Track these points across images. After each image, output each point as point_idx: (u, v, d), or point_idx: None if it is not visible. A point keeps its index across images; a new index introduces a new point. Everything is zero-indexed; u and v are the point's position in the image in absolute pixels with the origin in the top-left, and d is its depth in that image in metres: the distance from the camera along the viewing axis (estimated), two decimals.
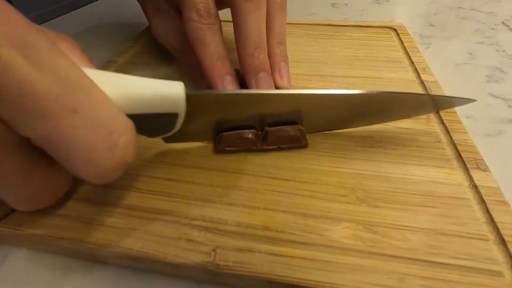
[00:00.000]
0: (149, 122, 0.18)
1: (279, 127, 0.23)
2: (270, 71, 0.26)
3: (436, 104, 0.25)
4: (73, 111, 0.13)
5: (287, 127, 0.23)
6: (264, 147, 0.23)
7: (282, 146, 0.23)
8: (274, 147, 0.23)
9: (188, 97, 0.19)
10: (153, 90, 0.17)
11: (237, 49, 0.26)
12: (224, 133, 0.23)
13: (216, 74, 0.25)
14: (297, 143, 0.23)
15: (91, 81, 0.15)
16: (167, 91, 0.18)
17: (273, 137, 0.23)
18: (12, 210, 0.19)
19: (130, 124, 0.16)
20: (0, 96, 0.12)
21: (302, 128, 0.24)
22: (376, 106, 0.24)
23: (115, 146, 0.14)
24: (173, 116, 0.19)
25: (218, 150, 0.23)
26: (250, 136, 0.23)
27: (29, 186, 0.16)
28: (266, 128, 0.23)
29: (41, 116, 0.13)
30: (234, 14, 0.25)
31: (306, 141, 0.24)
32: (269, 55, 0.27)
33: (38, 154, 0.15)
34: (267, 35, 0.26)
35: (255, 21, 0.25)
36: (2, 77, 0.12)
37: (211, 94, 0.22)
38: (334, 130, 0.26)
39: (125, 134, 0.15)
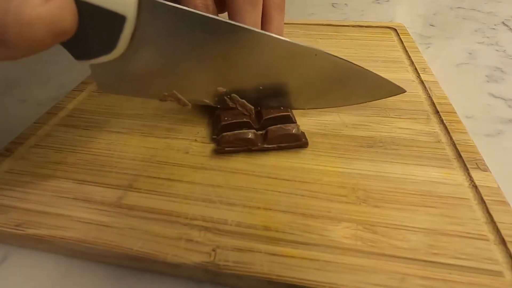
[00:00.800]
0: (91, 21, 0.15)
1: (279, 126, 0.23)
2: None
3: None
4: None
5: (287, 126, 0.23)
6: (265, 146, 0.23)
7: (282, 145, 0.23)
8: (274, 146, 0.23)
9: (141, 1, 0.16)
10: None
11: None
12: (224, 134, 0.23)
13: None
14: (297, 142, 0.23)
15: None
16: None
17: (273, 135, 0.23)
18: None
19: None
20: None
21: (295, 121, 0.24)
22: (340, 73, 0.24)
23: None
24: (120, 21, 0.16)
25: (218, 151, 0.23)
26: (250, 136, 0.23)
27: None
28: (267, 128, 0.23)
29: None
30: (230, 12, 0.26)
31: (306, 140, 0.24)
32: None
33: None
34: None
35: (251, 21, 0.25)
36: None
37: (172, 6, 0.18)
38: (317, 106, 0.26)
39: None
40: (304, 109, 0.27)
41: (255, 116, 0.25)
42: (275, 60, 0.23)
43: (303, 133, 0.24)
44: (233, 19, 0.25)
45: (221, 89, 0.22)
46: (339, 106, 0.27)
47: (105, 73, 0.19)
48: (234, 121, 0.23)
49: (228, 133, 0.23)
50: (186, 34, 0.19)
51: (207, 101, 0.24)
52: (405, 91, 0.27)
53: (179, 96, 0.21)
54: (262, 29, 0.26)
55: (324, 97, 0.26)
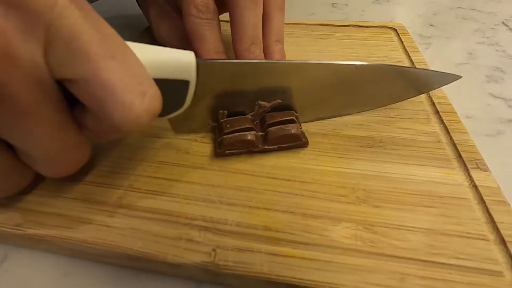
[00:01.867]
0: (162, 91, 0.18)
1: (279, 126, 0.23)
2: None
3: (423, 82, 0.26)
4: (111, 57, 0.15)
5: (287, 126, 0.23)
6: (266, 147, 0.23)
7: (283, 145, 0.23)
8: (275, 147, 0.23)
9: (199, 64, 0.20)
10: (167, 55, 0.19)
11: (233, 44, 0.26)
12: (224, 136, 0.23)
13: None
14: (297, 141, 0.23)
15: (124, 41, 0.17)
16: (179, 56, 0.20)
17: (273, 136, 0.23)
18: (33, 179, 0.20)
19: (153, 81, 0.17)
20: (52, 36, 0.14)
21: (300, 126, 0.24)
22: (362, 79, 0.24)
23: (145, 94, 0.16)
24: (184, 85, 0.20)
25: (219, 153, 0.23)
26: (250, 138, 0.23)
27: (59, 140, 0.17)
28: (267, 129, 0.23)
29: (83, 58, 0.15)
30: (231, 10, 0.26)
31: (306, 140, 0.24)
32: (267, 53, 0.27)
33: (69, 113, 0.17)
34: (265, 33, 0.27)
35: (251, 18, 0.25)
36: (57, 20, 0.14)
37: (221, 62, 0.22)
38: (328, 117, 0.26)
39: (152, 87, 0.17)
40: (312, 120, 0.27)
41: (259, 122, 0.25)
42: (319, 82, 0.24)
43: (303, 133, 0.24)
44: (234, 19, 0.26)
45: (264, 104, 0.24)
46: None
47: (178, 120, 0.23)
48: (238, 128, 0.23)
49: (229, 135, 0.23)
50: (231, 77, 0.23)
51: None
52: (460, 77, 0.26)
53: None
54: (262, 27, 0.27)
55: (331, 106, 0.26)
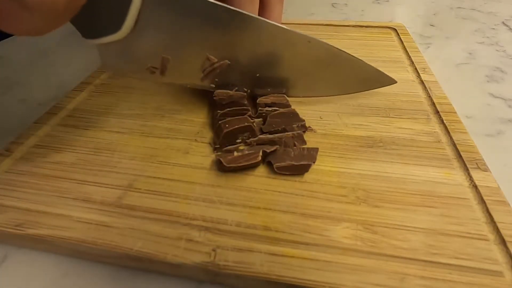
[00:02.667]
0: (101, 1, 0.16)
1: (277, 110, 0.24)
2: None
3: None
4: None
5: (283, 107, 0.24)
6: (265, 134, 0.24)
7: (282, 129, 0.24)
8: (275, 136, 0.24)
9: None
10: None
11: None
12: (227, 155, 0.22)
13: None
14: (298, 122, 0.24)
15: None
16: None
17: (272, 118, 0.24)
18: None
19: None
20: None
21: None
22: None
23: None
24: (126, 2, 0.17)
25: (222, 168, 0.22)
26: (247, 123, 0.23)
27: None
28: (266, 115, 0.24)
29: None
30: (229, 4, 0.26)
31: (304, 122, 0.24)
32: None
33: None
34: None
35: (248, 10, 0.25)
36: None
37: None
38: (312, 94, 0.27)
39: None
40: (299, 96, 0.28)
41: (254, 113, 0.25)
42: (270, 45, 0.24)
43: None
44: None
45: (212, 58, 0.22)
46: (332, 95, 0.28)
47: (111, 53, 0.20)
48: (236, 126, 0.23)
49: (230, 157, 0.22)
50: (187, 18, 0.20)
51: (201, 83, 0.25)
52: (396, 82, 0.28)
53: (167, 63, 0.22)
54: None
55: (317, 84, 0.27)
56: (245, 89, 0.25)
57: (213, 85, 0.25)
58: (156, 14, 0.19)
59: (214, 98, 0.25)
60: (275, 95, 0.26)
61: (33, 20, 0.15)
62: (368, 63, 0.27)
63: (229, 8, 0.21)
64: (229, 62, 0.23)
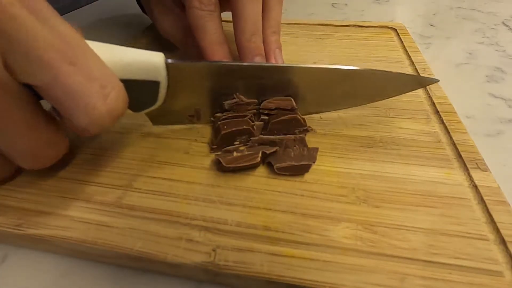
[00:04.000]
0: (133, 91, 0.19)
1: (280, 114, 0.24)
2: (264, 55, 0.28)
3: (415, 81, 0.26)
4: (70, 63, 0.16)
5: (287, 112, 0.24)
6: (266, 135, 0.24)
7: (284, 132, 0.24)
8: (276, 137, 0.24)
9: (168, 65, 0.21)
10: (136, 56, 0.20)
11: (235, 36, 0.28)
12: (226, 155, 0.22)
13: (215, 58, 0.27)
14: (300, 127, 0.24)
15: (86, 43, 0.17)
16: (148, 57, 0.20)
17: (274, 121, 0.24)
18: (17, 172, 0.21)
19: (119, 81, 0.18)
20: (8, 43, 0.14)
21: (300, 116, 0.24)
22: (357, 83, 0.25)
23: (107, 96, 0.17)
24: (155, 85, 0.21)
25: (221, 168, 0.22)
26: (246, 126, 0.23)
27: (32, 139, 0.17)
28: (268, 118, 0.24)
29: (42, 65, 0.15)
30: (234, 4, 0.27)
31: (307, 125, 0.24)
32: (264, 42, 0.28)
33: (41, 112, 0.17)
34: (263, 24, 0.28)
35: (253, 11, 0.27)
36: (11, 25, 0.14)
37: (191, 64, 0.23)
38: (325, 110, 0.27)
39: (115, 88, 0.17)
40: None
41: (256, 118, 0.25)
42: (297, 84, 0.25)
43: (304, 120, 0.24)
44: (236, 12, 0.27)
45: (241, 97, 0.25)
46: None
47: (155, 114, 0.24)
48: (234, 129, 0.23)
49: (230, 157, 0.22)
50: (208, 78, 0.23)
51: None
52: (438, 80, 0.26)
53: (200, 111, 0.26)
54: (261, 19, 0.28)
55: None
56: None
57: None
58: (181, 82, 0.23)
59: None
60: (280, 98, 0.25)
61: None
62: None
63: (237, 64, 0.24)
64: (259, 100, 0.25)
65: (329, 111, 0.27)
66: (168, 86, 0.22)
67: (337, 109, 0.27)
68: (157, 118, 0.25)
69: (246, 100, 0.25)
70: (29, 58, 0.15)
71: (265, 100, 0.25)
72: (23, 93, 0.16)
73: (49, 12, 0.16)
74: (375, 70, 0.24)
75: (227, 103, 0.25)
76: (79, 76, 0.16)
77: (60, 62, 0.15)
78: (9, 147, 0.17)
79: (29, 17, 0.15)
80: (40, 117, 0.17)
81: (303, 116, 0.24)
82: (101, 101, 0.17)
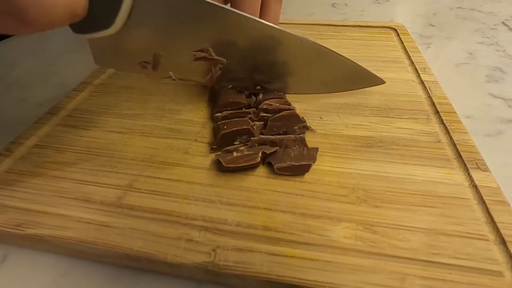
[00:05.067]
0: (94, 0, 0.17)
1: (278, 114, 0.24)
2: None
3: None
4: None
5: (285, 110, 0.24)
6: (265, 135, 0.24)
7: (283, 131, 0.24)
8: (276, 136, 0.24)
9: None
10: None
11: None
12: (226, 155, 0.22)
13: None
14: (298, 123, 0.24)
15: None
16: None
17: (273, 119, 0.24)
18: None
19: None
20: None
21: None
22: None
23: None
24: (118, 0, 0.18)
25: (222, 168, 0.22)
26: (246, 126, 0.23)
27: None
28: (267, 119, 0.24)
29: None
30: (232, 1, 0.27)
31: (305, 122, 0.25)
32: None
33: None
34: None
35: (250, 7, 0.26)
36: None
37: None
38: (304, 91, 0.28)
39: None
40: (289, 93, 0.28)
41: (255, 116, 0.25)
42: (263, 44, 0.24)
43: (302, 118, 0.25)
44: (235, 6, 0.26)
45: (211, 51, 0.22)
46: (322, 93, 0.29)
47: (103, 47, 0.20)
48: (234, 129, 0.23)
49: (230, 157, 0.22)
50: (179, 14, 0.20)
51: (196, 78, 0.25)
52: (384, 82, 0.28)
53: (159, 58, 0.22)
54: (260, 15, 0.27)
55: (306, 82, 0.28)
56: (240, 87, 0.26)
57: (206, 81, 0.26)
58: (148, 10, 0.19)
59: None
60: (278, 100, 0.26)
61: (30, 29, 0.16)
62: (359, 63, 0.27)
63: (219, 6, 0.21)
64: (228, 61, 0.23)
65: (308, 93, 0.28)
66: (132, 7, 0.18)
67: (316, 92, 0.28)
68: (103, 54, 0.21)
69: (214, 55, 0.22)
70: None
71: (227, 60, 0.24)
72: None
73: None
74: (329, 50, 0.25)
75: (193, 53, 0.22)
76: None
77: None
78: None
79: None
80: None
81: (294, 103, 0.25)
82: None
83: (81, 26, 0.17)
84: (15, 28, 0.15)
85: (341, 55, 0.26)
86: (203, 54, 0.22)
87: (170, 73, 0.22)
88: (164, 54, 0.22)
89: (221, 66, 0.23)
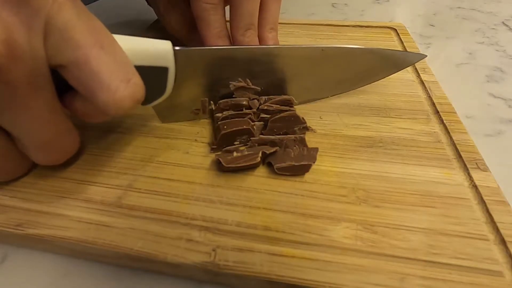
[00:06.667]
0: (143, 79, 0.20)
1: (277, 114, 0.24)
2: None
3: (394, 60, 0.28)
4: (99, 47, 0.17)
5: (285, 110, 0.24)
6: (265, 135, 0.24)
7: (283, 131, 0.24)
8: (276, 136, 0.24)
9: (176, 52, 0.22)
10: (146, 44, 0.21)
11: (230, 31, 0.28)
12: (226, 155, 0.22)
13: None
14: (298, 124, 0.24)
15: (111, 34, 0.19)
16: (157, 44, 0.21)
17: (273, 120, 0.24)
18: (31, 167, 0.22)
19: (136, 71, 0.19)
20: (50, 28, 0.16)
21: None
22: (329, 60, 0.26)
23: (129, 80, 0.18)
24: (164, 72, 0.22)
25: (222, 168, 0.22)
26: (246, 126, 0.23)
27: (52, 124, 0.19)
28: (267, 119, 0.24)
29: (75, 46, 0.17)
30: (232, 2, 0.27)
31: (306, 123, 0.25)
32: (262, 39, 0.29)
33: (58, 102, 0.19)
34: (260, 21, 0.29)
35: (249, 6, 0.27)
36: (55, 14, 0.16)
37: (198, 49, 0.24)
38: (320, 97, 0.28)
39: (135, 74, 0.19)
40: (326, 97, 0.29)
41: (256, 117, 0.25)
42: (293, 65, 0.26)
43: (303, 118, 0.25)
44: (233, 7, 0.27)
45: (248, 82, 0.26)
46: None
47: (163, 108, 0.25)
48: (234, 129, 0.23)
49: (230, 157, 0.22)
50: (212, 64, 0.24)
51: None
52: (426, 56, 0.28)
53: (205, 103, 0.26)
54: (258, 16, 0.28)
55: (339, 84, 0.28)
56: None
57: None
58: (188, 70, 0.24)
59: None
60: (280, 100, 0.26)
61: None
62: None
63: (243, 48, 0.25)
64: (262, 88, 0.26)
65: (322, 98, 0.28)
66: (176, 74, 0.22)
67: (330, 95, 0.29)
68: (164, 114, 0.26)
69: (251, 85, 0.25)
70: (66, 39, 0.17)
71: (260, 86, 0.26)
72: (50, 78, 0.18)
73: (84, 7, 0.18)
74: (355, 47, 0.26)
75: (232, 85, 0.25)
76: (106, 59, 0.18)
77: (91, 45, 0.17)
78: (29, 133, 0.18)
79: (71, 7, 0.17)
80: (59, 104, 0.19)
81: (299, 103, 0.26)
82: (124, 84, 0.18)
83: (145, 100, 0.21)
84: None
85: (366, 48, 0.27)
86: (241, 84, 0.25)
87: (212, 105, 0.26)
88: (208, 98, 0.26)
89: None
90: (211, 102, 0.26)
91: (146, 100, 0.21)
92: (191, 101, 0.26)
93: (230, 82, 0.25)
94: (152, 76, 0.21)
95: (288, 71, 0.26)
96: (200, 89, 0.25)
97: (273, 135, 0.24)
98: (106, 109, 0.18)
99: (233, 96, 0.26)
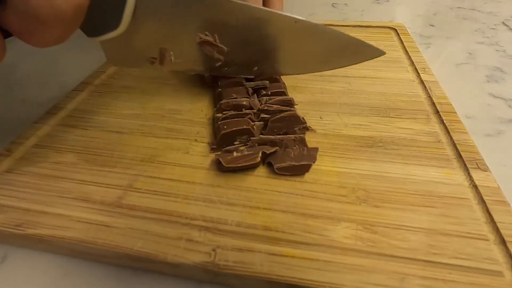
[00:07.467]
0: (97, 3, 0.18)
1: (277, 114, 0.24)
2: None
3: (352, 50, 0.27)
4: None
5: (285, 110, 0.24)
6: (266, 135, 0.24)
7: (283, 131, 0.24)
8: (276, 136, 0.24)
9: None
10: None
11: None
12: (226, 155, 0.22)
13: None
14: (298, 124, 0.24)
15: None
16: None
17: (273, 119, 0.24)
18: None
19: None
20: None
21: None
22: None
23: None
24: (122, 1, 0.19)
25: (222, 169, 0.22)
26: (246, 126, 0.23)
27: None
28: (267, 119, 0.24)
29: None
30: None
31: (306, 123, 0.24)
32: None
33: None
34: None
35: (253, 4, 0.26)
36: None
37: None
38: (284, 73, 0.27)
39: None
40: (290, 74, 0.28)
41: (255, 117, 0.25)
42: (261, 27, 0.24)
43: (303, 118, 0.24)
44: None
45: (205, 35, 0.23)
46: (321, 71, 0.28)
47: (113, 48, 0.22)
48: (234, 129, 0.23)
49: (230, 157, 0.22)
50: (179, 7, 0.21)
51: (198, 67, 0.25)
52: (384, 53, 0.27)
53: (165, 52, 0.23)
54: None
55: (303, 60, 0.27)
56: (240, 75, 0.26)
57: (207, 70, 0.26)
58: (151, 6, 0.20)
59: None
60: (280, 100, 0.26)
61: (50, 32, 0.18)
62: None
63: None
64: (228, 49, 0.24)
65: (286, 74, 0.28)
66: (136, 7, 0.20)
67: (294, 72, 0.28)
68: (115, 55, 0.23)
69: (218, 42, 0.23)
70: None
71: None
72: None
73: None
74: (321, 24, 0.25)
75: (199, 37, 0.23)
76: None
77: None
78: None
79: None
80: None
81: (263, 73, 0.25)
82: None
83: (92, 29, 0.18)
84: (37, 32, 0.17)
85: (336, 30, 0.26)
86: (208, 38, 0.23)
87: (172, 56, 0.24)
88: (170, 48, 0.23)
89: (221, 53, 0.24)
90: (171, 53, 0.23)
91: (97, 31, 0.19)
92: (148, 47, 0.23)
93: (197, 34, 0.23)
94: (107, 3, 0.19)
95: (260, 36, 0.24)
96: (161, 34, 0.22)
97: (273, 135, 0.24)
98: (41, 15, 0.16)
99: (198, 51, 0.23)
